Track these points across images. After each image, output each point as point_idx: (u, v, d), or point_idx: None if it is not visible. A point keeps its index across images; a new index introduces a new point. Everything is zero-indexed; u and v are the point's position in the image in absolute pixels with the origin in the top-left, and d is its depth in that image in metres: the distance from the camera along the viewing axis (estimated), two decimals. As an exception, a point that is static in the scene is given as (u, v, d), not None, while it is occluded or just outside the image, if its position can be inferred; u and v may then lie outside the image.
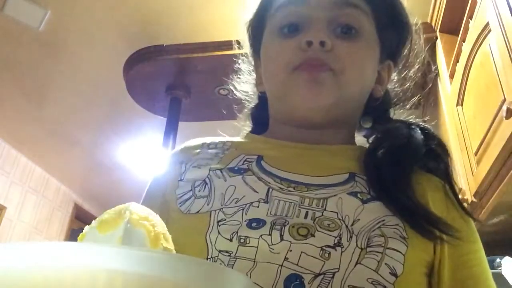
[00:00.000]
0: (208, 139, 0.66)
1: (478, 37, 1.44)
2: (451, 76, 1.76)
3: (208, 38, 2.13)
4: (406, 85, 0.70)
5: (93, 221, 0.32)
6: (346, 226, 0.48)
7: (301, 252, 0.46)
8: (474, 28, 1.50)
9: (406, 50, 0.68)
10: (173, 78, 2.29)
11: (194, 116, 2.47)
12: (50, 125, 3.19)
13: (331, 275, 0.44)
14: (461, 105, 1.63)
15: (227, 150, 0.62)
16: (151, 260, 0.24)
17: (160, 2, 2.18)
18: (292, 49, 0.58)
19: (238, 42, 0.75)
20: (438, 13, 1.89)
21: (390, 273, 0.45)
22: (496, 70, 1.29)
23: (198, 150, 0.64)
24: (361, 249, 0.46)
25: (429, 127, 0.64)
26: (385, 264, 0.46)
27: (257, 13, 0.69)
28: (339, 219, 0.49)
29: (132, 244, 0.30)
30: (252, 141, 0.66)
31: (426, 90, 0.75)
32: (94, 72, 2.64)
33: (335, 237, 0.47)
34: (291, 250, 0.46)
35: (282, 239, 0.47)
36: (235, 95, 0.75)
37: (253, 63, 0.72)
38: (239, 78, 0.75)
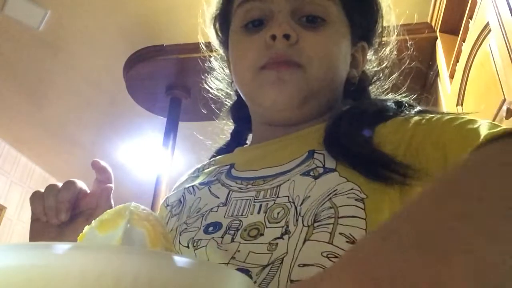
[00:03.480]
0: (201, 164, 0.67)
1: (478, 37, 1.44)
2: (451, 76, 1.76)
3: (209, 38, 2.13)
4: (384, 64, 0.68)
5: (93, 221, 0.32)
6: (295, 208, 0.46)
7: (249, 251, 0.44)
8: (474, 28, 1.50)
9: (379, 29, 0.66)
10: (173, 78, 2.29)
11: (194, 116, 2.47)
12: (50, 125, 3.19)
13: (280, 261, 0.42)
14: (461, 105, 1.63)
15: (207, 169, 0.63)
16: (154, 260, 0.24)
17: (160, 2, 2.18)
18: (258, 46, 0.56)
19: (209, 44, 0.73)
20: (438, 13, 1.89)
21: (347, 241, 0.41)
22: (496, 70, 1.29)
23: (185, 178, 0.66)
24: (308, 226, 0.43)
25: (409, 100, 0.61)
26: (340, 233, 0.42)
27: (221, 7, 0.67)
28: (290, 202, 0.47)
29: (132, 244, 0.30)
30: (232, 154, 0.65)
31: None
32: (94, 72, 2.64)
33: (282, 227, 0.45)
34: (239, 251, 0.45)
35: (232, 241, 0.46)
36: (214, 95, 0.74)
37: (225, 58, 0.71)
38: (213, 76, 0.73)
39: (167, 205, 0.61)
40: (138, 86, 2.38)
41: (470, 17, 1.59)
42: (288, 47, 0.55)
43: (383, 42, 0.68)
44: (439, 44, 1.92)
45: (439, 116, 0.49)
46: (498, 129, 0.34)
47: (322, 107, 0.59)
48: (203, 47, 0.76)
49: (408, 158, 0.46)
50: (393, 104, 0.59)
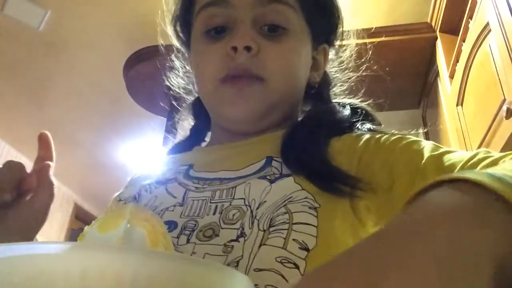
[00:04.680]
0: (156, 160, 0.67)
1: (478, 37, 1.44)
2: (451, 76, 1.76)
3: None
4: (344, 66, 0.69)
5: (93, 221, 0.32)
6: (251, 211, 0.47)
7: (205, 253, 0.45)
8: (474, 28, 1.50)
9: (340, 30, 0.67)
10: (173, 78, 2.29)
11: (194, 116, 2.47)
12: (50, 125, 3.19)
13: (236, 264, 0.43)
14: (461, 105, 1.63)
15: (164, 166, 0.63)
16: (154, 260, 0.24)
17: (160, 2, 2.18)
18: (219, 56, 0.56)
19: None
20: (438, 13, 1.89)
21: (299, 248, 0.43)
22: (496, 70, 1.29)
23: (140, 174, 0.65)
24: (264, 231, 0.44)
25: (365, 106, 0.63)
26: (293, 240, 0.43)
27: (181, 9, 0.67)
28: (246, 205, 0.48)
29: (132, 244, 0.30)
30: (191, 153, 0.65)
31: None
32: (94, 72, 2.64)
33: (238, 229, 0.45)
34: (195, 253, 0.45)
35: (188, 242, 0.47)
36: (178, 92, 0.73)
37: (187, 57, 0.70)
38: (174, 73, 0.73)
39: (120, 200, 0.60)
40: (138, 86, 2.38)
41: (470, 17, 1.59)
42: (249, 59, 0.55)
43: (343, 45, 0.69)
44: (439, 44, 1.92)
45: (387, 136, 0.52)
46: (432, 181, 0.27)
47: (282, 116, 0.60)
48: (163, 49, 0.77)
49: (359, 173, 0.48)
50: (349, 111, 0.61)
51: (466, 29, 1.61)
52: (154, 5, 2.21)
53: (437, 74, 2.00)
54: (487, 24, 1.36)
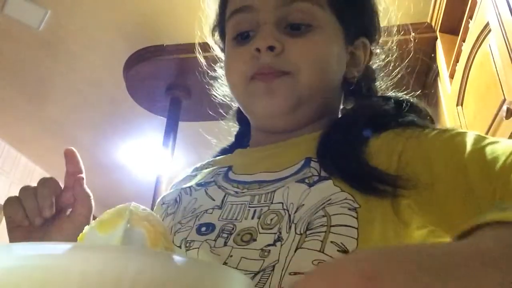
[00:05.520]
0: (200, 163, 0.68)
1: (478, 37, 1.44)
2: (451, 76, 1.76)
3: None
4: (388, 59, 0.68)
5: (93, 221, 0.32)
6: (289, 216, 0.46)
7: (241, 257, 0.45)
8: (474, 28, 1.50)
9: (378, 23, 0.66)
10: (173, 78, 2.29)
11: (194, 116, 2.47)
12: (50, 125, 3.19)
13: (272, 268, 0.43)
14: (461, 105, 1.63)
15: (205, 169, 0.64)
16: (154, 260, 0.24)
17: (160, 2, 2.18)
18: (244, 58, 0.57)
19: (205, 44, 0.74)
20: (438, 13, 1.89)
21: (338, 250, 0.42)
22: (496, 70, 1.29)
23: (184, 176, 0.67)
24: (300, 234, 0.44)
25: (410, 98, 0.61)
26: (331, 242, 0.42)
27: (216, 20, 0.69)
28: (284, 209, 0.48)
29: (132, 244, 0.30)
30: (231, 155, 0.66)
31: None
32: (94, 72, 2.64)
33: (275, 233, 0.45)
34: (231, 256, 0.45)
35: (225, 245, 0.47)
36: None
37: None
38: (218, 82, 0.74)
39: (163, 203, 0.62)
40: (138, 86, 2.38)
41: (470, 17, 1.59)
42: (274, 58, 0.55)
43: (385, 35, 0.68)
44: (439, 44, 1.92)
45: (428, 130, 0.50)
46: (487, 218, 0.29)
47: (315, 112, 0.59)
48: (199, 49, 0.77)
49: (399, 170, 0.47)
50: (393, 105, 0.59)
51: (466, 29, 1.61)
52: (154, 5, 2.21)
53: (437, 74, 2.00)
54: (487, 24, 1.36)
